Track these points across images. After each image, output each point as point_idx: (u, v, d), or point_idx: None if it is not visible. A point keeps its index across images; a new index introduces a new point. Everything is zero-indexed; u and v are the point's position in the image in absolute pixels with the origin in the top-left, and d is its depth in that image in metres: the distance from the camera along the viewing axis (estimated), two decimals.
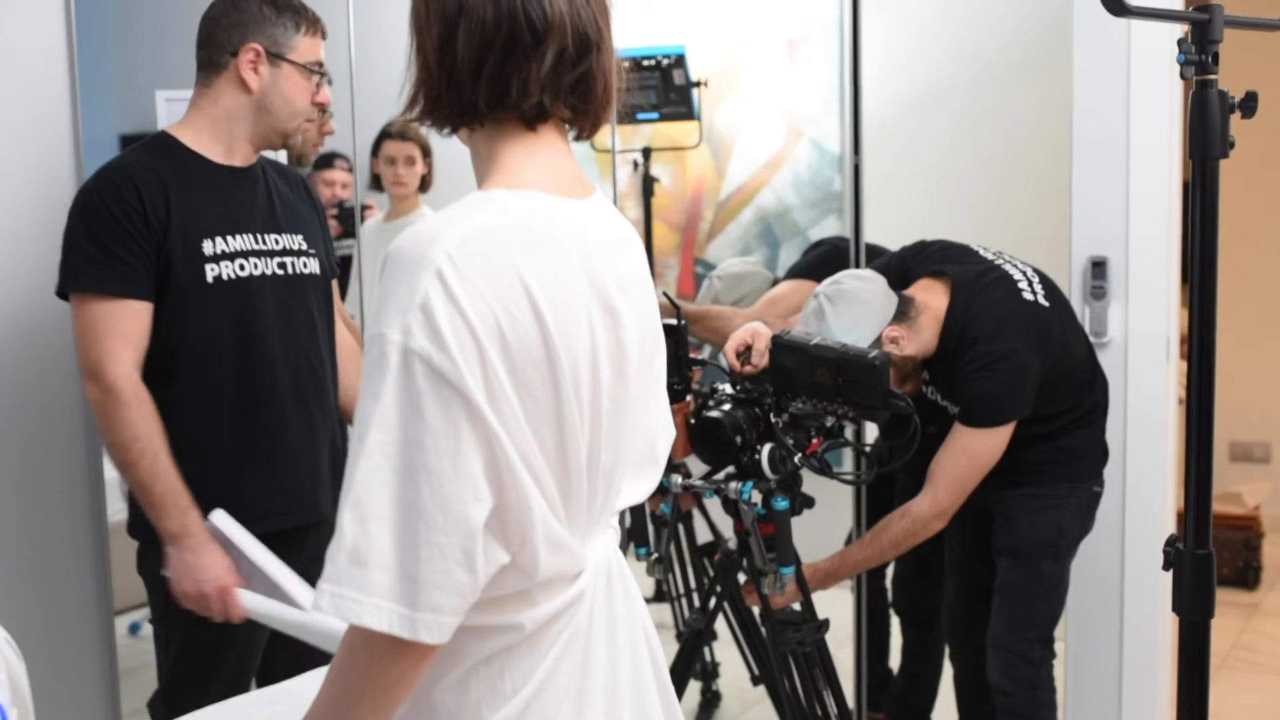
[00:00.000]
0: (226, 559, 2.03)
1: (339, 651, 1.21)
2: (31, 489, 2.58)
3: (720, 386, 2.42)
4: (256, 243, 2.18)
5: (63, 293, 2.11)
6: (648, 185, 3.82)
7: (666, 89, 3.68)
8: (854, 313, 2.47)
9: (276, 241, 2.21)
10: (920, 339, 2.51)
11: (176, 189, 2.10)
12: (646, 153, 3.82)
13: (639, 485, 1.42)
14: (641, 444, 1.41)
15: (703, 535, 3.01)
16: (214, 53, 2.17)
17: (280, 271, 2.20)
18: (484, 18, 1.23)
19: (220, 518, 2.03)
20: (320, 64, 2.21)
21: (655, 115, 3.73)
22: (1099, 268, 3.00)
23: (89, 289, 2.06)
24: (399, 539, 1.13)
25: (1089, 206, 2.99)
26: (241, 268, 2.15)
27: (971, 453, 2.50)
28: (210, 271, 2.11)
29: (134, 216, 2.05)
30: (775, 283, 3.51)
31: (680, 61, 3.68)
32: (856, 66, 3.21)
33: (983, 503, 2.67)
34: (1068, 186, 3.02)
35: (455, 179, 3.38)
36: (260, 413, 2.17)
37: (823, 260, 3.28)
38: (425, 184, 3.47)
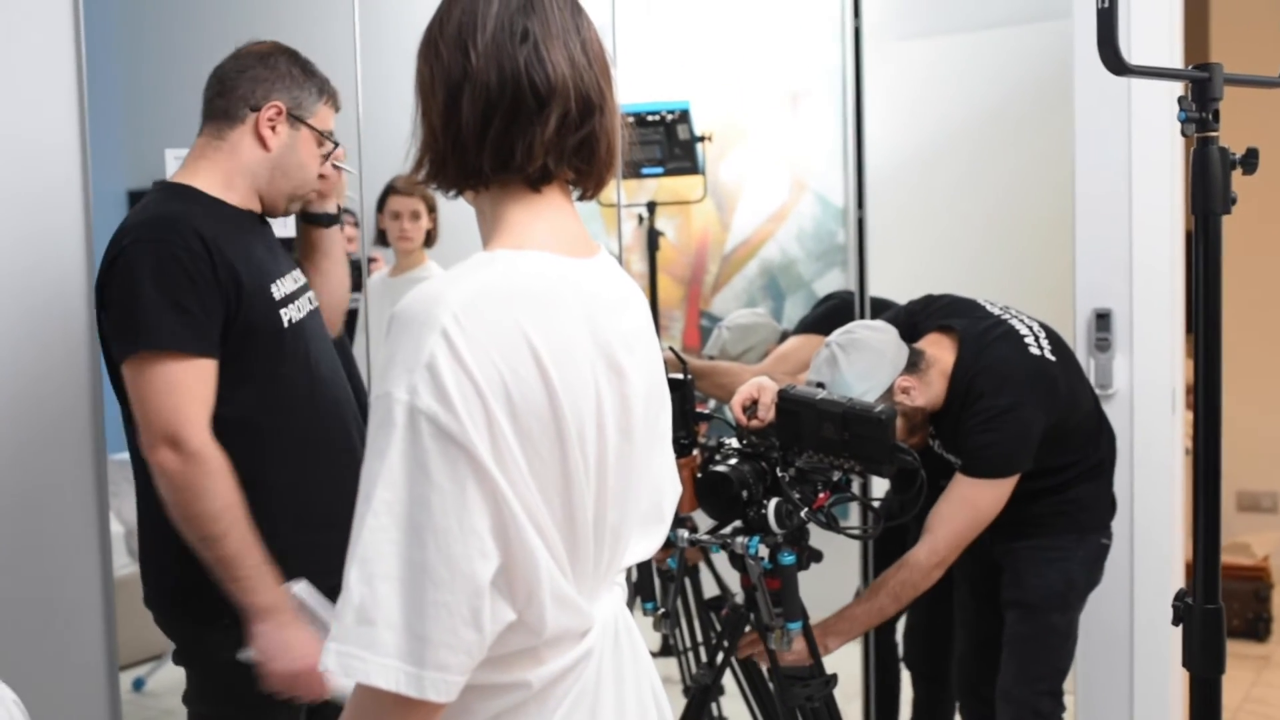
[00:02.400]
0: (312, 634, 1.94)
1: (345, 712, 1.21)
2: (38, 542, 2.58)
3: (727, 441, 2.42)
4: (294, 283, 2.16)
5: (121, 356, 1.96)
6: (653, 239, 3.84)
7: (671, 144, 3.72)
8: (866, 361, 2.48)
9: (297, 280, 2.19)
10: (930, 391, 2.53)
11: (229, 235, 2.02)
12: (651, 207, 3.85)
13: (646, 542, 1.42)
14: (648, 501, 1.41)
15: (709, 589, 3.00)
16: (232, 104, 2.10)
17: (311, 307, 2.19)
18: (488, 83, 1.24)
19: (303, 589, 1.94)
20: (331, 134, 2.19)
21: (660, 170, 3.76)
22: (1103, 319, 3.01)
23: (164, 346, 1.91)
24: (406, 597, 1.13)
25: (1092, 258, 3.00)
26: (298, 310, 2.12)
27: (973, 503, 2.50)
28: (284, 316, 2.07)
29: (203, 268, 1.95)
30: (784, 335, 3.52)
31: (684, 117, 3.72)
32: (860, 119, 3.23)
33: (990, 555, 2.66)
34: (1071, 239, 3.04)
35: (460, 234, 3.41)
36: (344, 455, 2.10)
37: (831, 314, 3.30)
38: (430, 239, 3.50)
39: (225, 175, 2.11)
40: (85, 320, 2.61)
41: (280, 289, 2.10)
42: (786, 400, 2.25)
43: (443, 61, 1.27)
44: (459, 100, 1.25)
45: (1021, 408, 2.48)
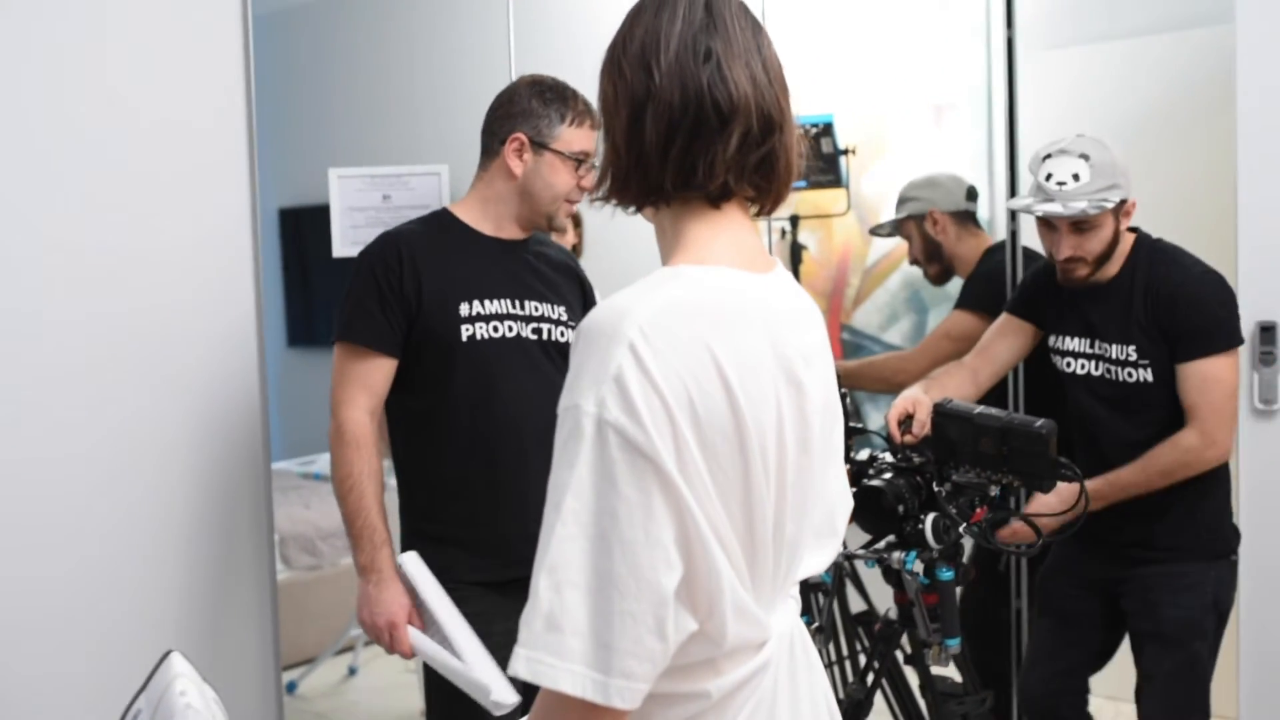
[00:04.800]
0: (405, 598, 2.21)
1: (531, 715, 1.23)
2: (210, 549, 2.68)
3: (880, 455, 2.41)
4: (514, 307, 2.36)
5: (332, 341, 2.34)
6: (795, 253, 3.84)
7: (814, 157, 3.71)
8: (1110, 158, 2.49)
9: (536, 309, 2.39)
10: (1119, 247, 2.57)
11: (438, 255, 2.33)
12: (794, 220, 3.84)
13: (819, 556, 1.42)
14: (821, 514, 1.41)
15: (853, 604, 2.97)
16: (489, 140, 2.40)
17: (534, 336, 2.37)
18: (671, 101, 1.27)
19: (411, 560, 2.19)
20: (585, 153, 2.38)
21: (803, 183, 3.75)
22: (1268, 333, 2.92)
23: (343, 338, 2.30)
24: (593, 606, 1.15)
25: (1257, 270, 2.92)
26: (495, 329, 2.33)
27: (1217, 379, 2.48)
28: (465, 331, 2.30)
29: (392, 279, 2.28)
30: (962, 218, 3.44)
31: (828, 130, 3.71)
32: (1013, 129, 3.18)
33: (1104, 582, 2.63)
34: (1234, 250, 2.95)
35: (606, 247, 3.45)
36: (509, 464, 2.31)
37: (990, 282, 3.25)
38: (576, 252, 3.54)
39: (481, 203, 2.42)
40: (254, 333, 2.71)
41: (479, 307, 2.31)
42: (943, 414, 2.23)
43: (626, 80, 1.29)
44: (642, 118, 1.28)
45: (1215, 273, 2.51)
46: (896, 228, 3.48)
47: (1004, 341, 2.75)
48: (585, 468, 1.16)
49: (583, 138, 2.38)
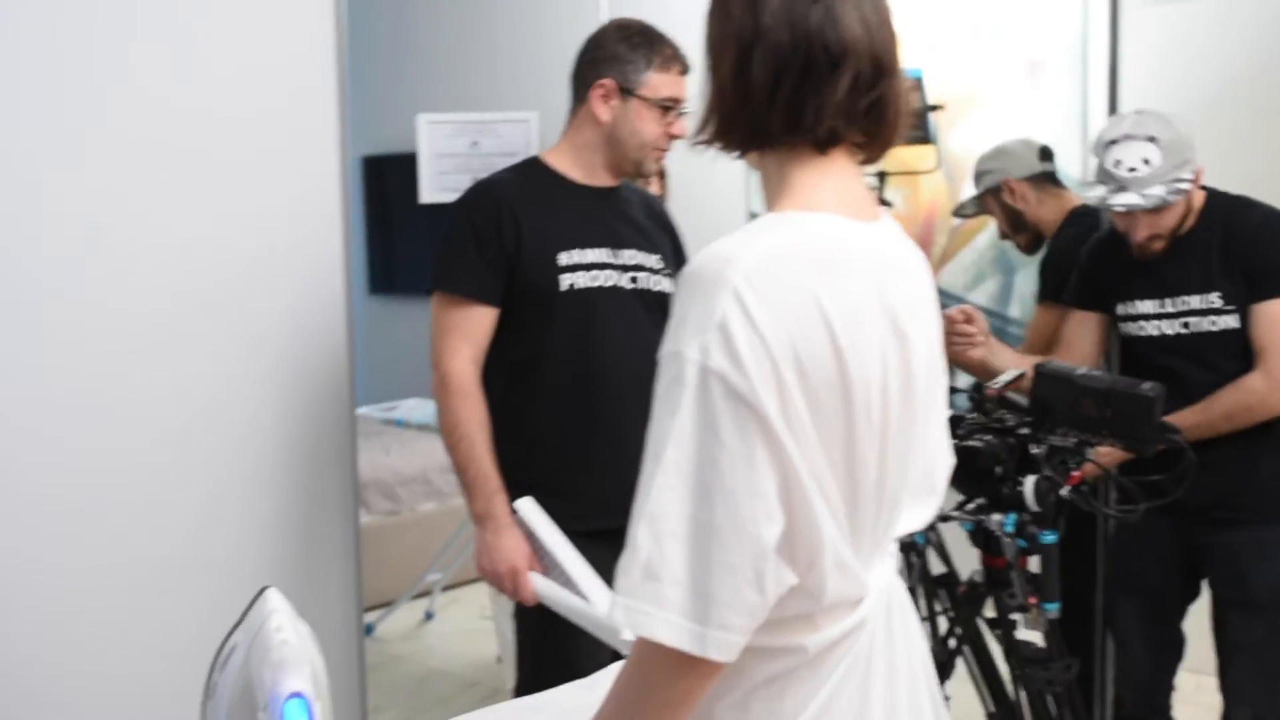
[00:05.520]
0: (525, 544, 2.20)
1: (626, 665, 1.23)
2: (298, 490, 2.70)
3: (966, 415, 2.36)
4: (610, 256, 2.34)
5: (428, 289, 2.33)
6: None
7: None
8: (1176, 134, 2.46)
9: (631, 257, 2.37)
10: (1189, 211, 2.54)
11: (535, 204, 2.30)
12: (882, 176, 3.78)
13: (918, 512, 1.40)
14: (921, 470, 1.39)
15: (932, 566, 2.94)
16: (578, 86, 2.37)
17: (631, 285, 2.35)
18: (780, 42, 1.23)
19: (527, 506, 2.18)
20: (674, 99, 2.32)
21: None
22: None
23: (441, 288, 2.29)
24: (692, 556, 1.14)
25: None
26: (594, 278, 2.31)
27: None
28: (564, 280, 2.28)
29: (490, 227, 2.27)
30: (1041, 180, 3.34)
31: (917, 85, 3.64)
32: (1114, 86, 3.09)
33: (1188, 551, 2.58)
34: None
35: (690, 199, 3.42)
36: (607, 414, 2.31)
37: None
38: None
39: (572, 150, 2.38)
40: (341, 281, 2.72)
41: (578, 256, 2.30)
42: (1043, 374, 2.19)
43: (733, 21, 1.26)
44: (749, 60, 1.24)
45: None
46: (979, 205, 3.40)
47: (1084, 335, 2.71)
48: (687, 416, 1.14)
49: (671, 83, 2.33)
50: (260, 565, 2.62)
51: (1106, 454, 2.42)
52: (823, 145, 1.27)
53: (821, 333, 1.17)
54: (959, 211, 3.55)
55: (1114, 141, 2.47)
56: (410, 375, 4.18)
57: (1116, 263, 2.62)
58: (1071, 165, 3.95)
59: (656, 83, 2.31)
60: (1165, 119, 2.47)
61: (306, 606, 2.69)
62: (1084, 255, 2.77)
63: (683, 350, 1.15)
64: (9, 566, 2.31)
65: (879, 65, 1.26)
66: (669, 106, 2.33)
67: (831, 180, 1.28)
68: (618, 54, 2.31)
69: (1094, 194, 2.50)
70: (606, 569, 2.18)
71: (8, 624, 2.31)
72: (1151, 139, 2.43)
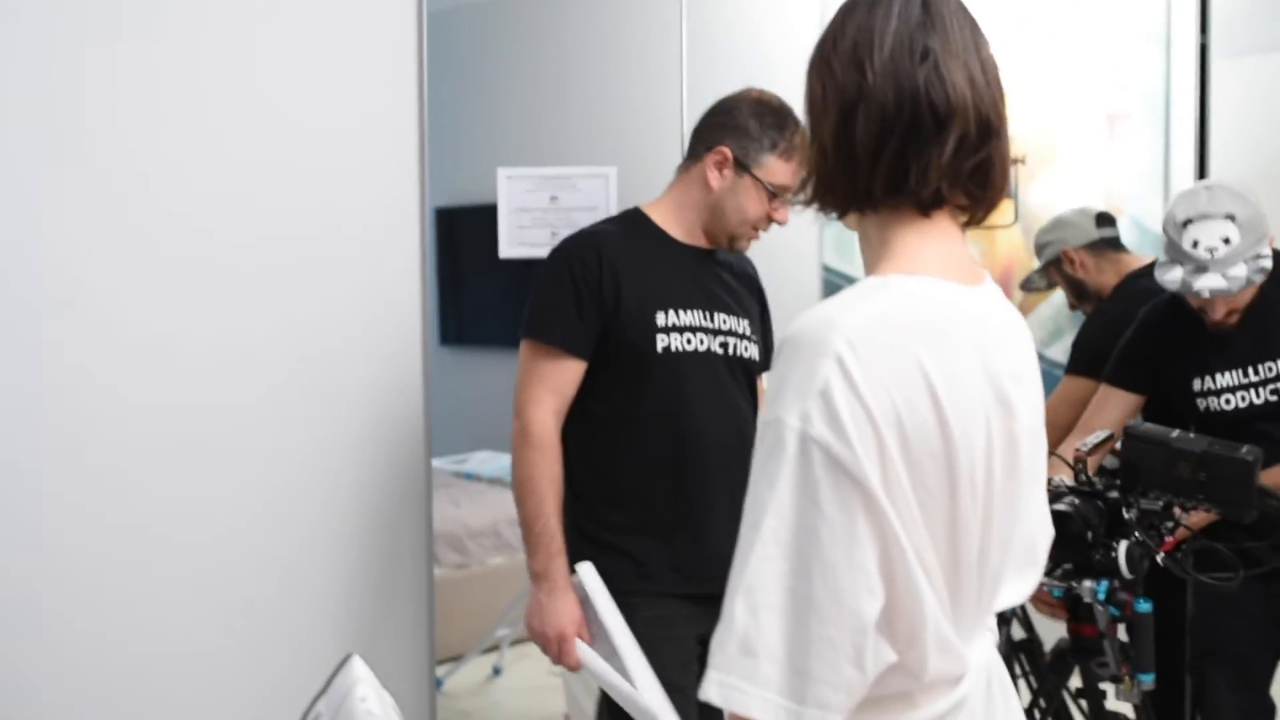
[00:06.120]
0: (578, 610, 2.15)
1: None
2: (372, 541, 2.69)
3: (1055, 477, 2.30)
4: (705, 319, 2.30)
5: (520, 336, 2.28)
6: None
7: None
8: (1253, 210, 2.39)
9: (724, 321, 2.33)
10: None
11: (636, 260, 2.27)
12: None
13: (1019, 586, 1.35)
14: (1023, 542, 1.34)
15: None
16: (696, 144, 2.34)
17: (721, 351, 2.31)
18: (885, 102, 1.20)
19: (586, 571, 2.13)
20: (785, 188, 2.29)
21: None
22: None
23: (533, 336, 2.25)
24: (790, 631, 1.10)
25: None
26: (689, 342, 2.27)
27: None
28: (660, 342, 2.25)
29: (590, 279, 2.23)
30: (1101, 244, 3.28)
31: None
32: (1204, 139, 3.04)
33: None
34: None
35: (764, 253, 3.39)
36: (692, 479, 2.26)
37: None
38: None
39: (676, 206, 2.36)
40: (418, 332, 2.72)
41: (674, 318, 2.26)
42: (1134, 437, 2.13)
43: (836, 79, 1.23)
44: (853, 119, 1.22)
45: None
46: (1045, 278, 3.35)
47: (1113, 415, 2.63)
48: (787, 485, 1.11)
49: (788, 172, 2.29)
50: (336, 620, 2.61)
51: (1199, 519, 2.34)
52: (926, 207, 1.24)
53: (925, 400, 1.13)
54: (1026, 285, 3.50)
55: (1190, 221, 2.40)
56: (480, 428, 4.18)
57: (1182, 338, 2.54)
58: (1152, 220, 3.89)
59: (774, 168, 2.28)
60: (1240, 195, 2.40)
61: (379, 661, 2.68)
62: (1135, 331, 2.70)
63: (783, 417, 1.12)
64: (95, 623, 2.31)
65: (986, 126, 1.22)
66: (776, 194, 2.30)
67: (934, 243, 1.24)
68: (746, 127, 2.28)
69: (1170, 276, 2.43)
70: (670, 627, 2.17)
71: (92, 681, 2.31)
72: (1230, 217, 2.36)
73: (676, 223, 2.34)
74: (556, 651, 2.16)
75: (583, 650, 2.13)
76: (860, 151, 1.22)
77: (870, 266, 1.27)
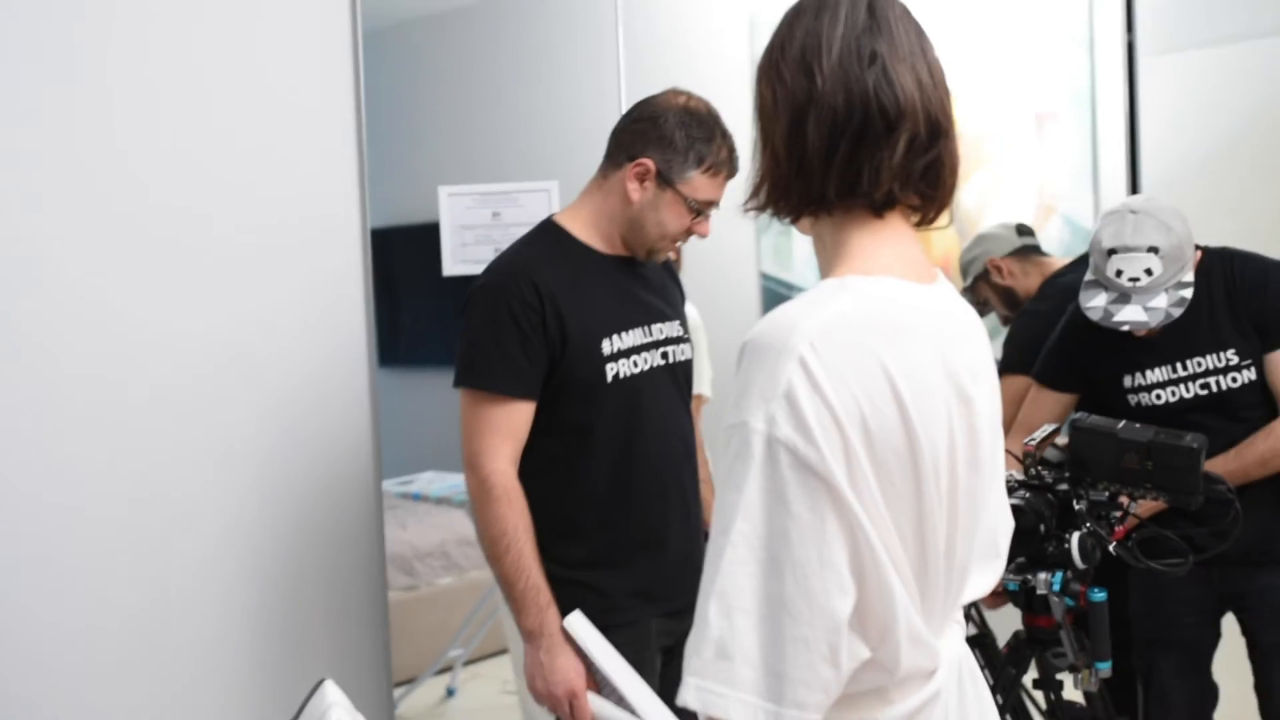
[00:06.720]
0: (579, 662, 2.05)
1: None
2: (321, 570, 2.67)
3: (1005, 472, 2.33)
4: (645, 335, 2.21)
5: (456, 384, 2.15)
6: None
7: None
8: (1176, 239, 2.43)
9: (660, 331, 2.24)
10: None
11: (570, 285, 2.13)
12: None
13: (983, 578, 1.36)
14: (986, 535, 1.36)
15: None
16: (616, 150, 2.21)
17: (662, 362, 2.23)
18: (835, 106, 1.22)
19: (577, 620, 2.04)
20: (708, 203, 2.19)
21: None
22: None
23: (481, 386, 2.10)
24: (764, 633, 1.11)
25: None
26: (635, 364, 2.18)
27: None
28: (610, 371, 2.15)
29: (532, 318, 2.09)
30: (1025, 250, 3.32)
31: None
32: (1134, 136, 3.09)
33: (1220, 598, 2.56)
34: None
35: (702, 259, 3.41)
36: (648, 500, 2.19)
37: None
38: (676, 267, 3.50)
39: (595, 217, 2.22)
40: (364, 354, 2.70)
41: (619, 342, 2.16)
42: (1082, 430, 2.16)
43: (786, 85, 1.25)
44: (804, 124, 1.23)
45: None
46: (973, 299, 3.38)
47: (1047, 415, 2.68)
48: (755, 488, 1.12)
49: (714, 188, 2.18)
50: (293, 646, 2.58)
51: (1147, 507, 2.39)
52: (879, 208, 1.25)
53: (888, 399, 1.14)
54: None
55: (1114, 250, 2.45)
56: (425, 448, 4.15)
57: (1109, 339, 2.58)
58: (1083, 216, 3.95)
59: (699, 184, 2.16)
60: (1164, 223, 2.44)
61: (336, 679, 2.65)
62: (1061, 334, 2.73)
63: (748, 421, 1.13)
64: (47, 651, 2.27)
65: (935, 126, 1.24)
66: (699, 211, 2.19)
67: (889, 243, 1.26)
68: (672, 140, 2.14)
69: (1093, 303, 2.48)
70: (642, 650, 2.13)
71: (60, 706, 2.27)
72: (1153, 249, 2.41)
73: (597, 233, 2.22)
74: (568, 710, 2.05)
75: (594, 702, 2.04)
76: (812, 155, 1.23)
77: (826, 269, 1.29)
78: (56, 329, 2.29)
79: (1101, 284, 2.47)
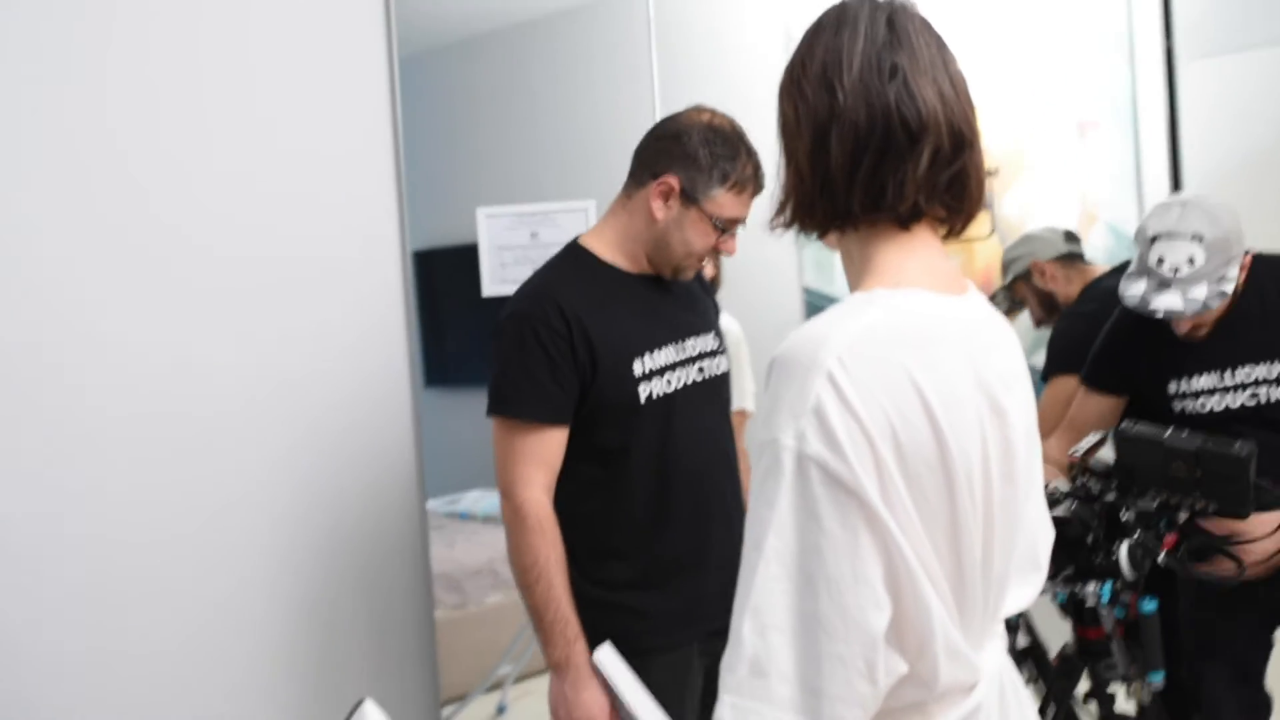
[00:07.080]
0: (604, 697, 2.04)
1: None
2: (367, 591, 2.69)
3: (1049, 482, 2.31)
4: (678, 353, 2.19)
5: (488, 413, 2.14)
6: None
7: None
8: (1223, 232, 2.39)
9: (694, 346, 2.22)
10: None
11: (598, 309, 2.12)
12: None
13: (1024, 590, 1.36)
14: (1024, 547, 1.35)
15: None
16: (640, 169, 2.19)
17: (699, 377, 2.21)
18: (857, 121, 1.22)
19: (606, 653, 2.01)
20: (734, 220, 2.16)
21: None
22: None
23: (512, 414, 2.09)
24: (800, 649, 1.11)
25: None
26: (669, 383, 2.16)
27: None
28: (643, 392, 2.13)
29: (561, 344, 2.07)
30: (1068, 257, 3.29)
31: None
32: (1175, 141, 3.06)
33: (1275, 600, 2.49)
34: None
35: (744, 275, 3.41)
36: (688, 518, 2.17)
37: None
38: (715, 284, 3.50)
39: (620, 236, 2.20)
40: (405, 375, 2.72)
41: (650, 362, 2.15)
42: (1128, 439, 2.14)
43: (808, 101, 1.25)
44: (827, 139, 1.23)
45: None
46: (1009, 297, 3.36)
47: (1095, 418, 2.64)
48: (786, 504, 1.12)
49: (739, 205, 2.15)
50: (339, 667, 2.60)
51: (1218, 524, 2.32)
52: (905, 221, 1.25)
53: (919, 412, 1.14)
54: (990, 302, 3.50)
55: (1158, 237, 2.42)
56: (471, 466, 4.16)
57: (1156, 341, 2.55)
58: (1127, 225, 3.92)
59: (724, 201, 2.13)
60: (1212, 214, 2.40)
61: (385, 706, 2.66)
62: (1108, 335, 2.70)
63: (779, 437, 1.13)
64: (93, 672, 2.30)
65: (958, 138, 1.24)
66: (724, 229, 2.16)
67: (916, 256, 1.26)
68: (696, 157, 2.11)
69: (1133, 290, 2.45)
70: (684, 674, 2.12)
71: None
72: (1198, 237, 2.37)
73: (622, 253, 2.20)
74: None
75: None
76: (836, 171, 1.23)
77: (854, 283, 1.29)
78: (98, 356, 2.33)
79: (1143, 273, 2.43)
